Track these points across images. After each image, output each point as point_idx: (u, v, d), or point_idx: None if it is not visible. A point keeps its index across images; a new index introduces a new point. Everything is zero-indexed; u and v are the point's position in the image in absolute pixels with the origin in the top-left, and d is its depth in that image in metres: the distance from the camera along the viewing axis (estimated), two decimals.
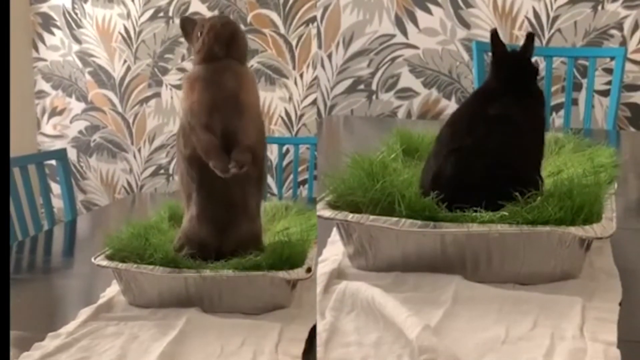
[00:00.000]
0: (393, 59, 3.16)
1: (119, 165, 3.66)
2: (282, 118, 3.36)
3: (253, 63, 3.33)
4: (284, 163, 3.19)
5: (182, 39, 1.18)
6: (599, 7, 2.90)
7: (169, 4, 3.43)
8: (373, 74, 3.20)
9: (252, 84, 1.19)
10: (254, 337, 1.04)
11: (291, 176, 3.21)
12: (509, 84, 1.19)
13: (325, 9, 3.18)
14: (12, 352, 1.04)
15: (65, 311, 1.28)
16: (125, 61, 3.55)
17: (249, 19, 3.31)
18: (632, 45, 2.89)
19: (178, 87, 3.46)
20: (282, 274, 1.10)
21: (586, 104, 2.68)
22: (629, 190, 1.60)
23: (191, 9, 3.40)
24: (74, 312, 1.18)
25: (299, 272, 1.11)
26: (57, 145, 3.70)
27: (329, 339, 0.96)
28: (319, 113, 3.30)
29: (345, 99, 3.24)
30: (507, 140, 1.13)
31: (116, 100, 3.60)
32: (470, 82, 3.08)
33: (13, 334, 1.06)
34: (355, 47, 3.19)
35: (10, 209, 2.20)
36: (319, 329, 0.98)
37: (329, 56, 3.22)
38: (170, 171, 3.58)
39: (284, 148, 3.07)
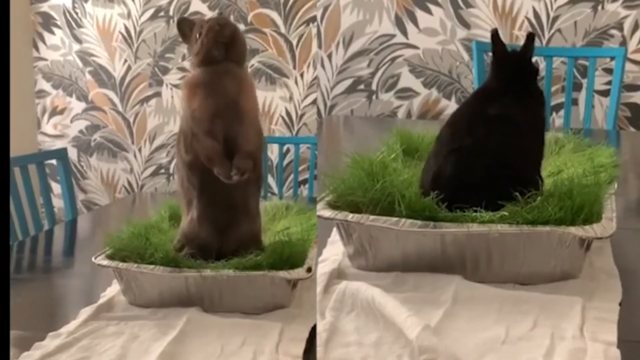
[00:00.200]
0: (393, 59, 3.17)
1: (120, 164, 3.66)
2: (282, 117, 3.36)
3: (254, 62, 3.33)
4: (285, 162, 3.19)
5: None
6: (599, 7, 2.90)
7: (170, 3, 3.43)
8: (373, 74, 3.20)
9: (251, 87, 1.19)
10: (254, 337, 1.04)
11: (292, 176, 3.22)
12: (509, 84, 1.19)
13: (325, 9, 3.18)
14: (13, 351, 1.04)
15: (65, 311, 1.28)
16: (125, 61, 3.56)
17: (249, 18, 3.31)
18: (632, 45, 2.90)
19: (179, 86, 3.46)
20: (282, 273, 1.10)
21: (586, 104, 2.68)
22: (629, 190, 1.60)
23: (191, 9, 3.40)
24: (74, 312, 1.18)
25: (299, 272, 1.11)
26: (58, 144, 3.70)
27: (329, 339, 0.96)
28: (319, 113, 3.30)
29: (345, 99, 3.24)
30: (507, 140, 1.13)
31: (117, 100, 3.60)
32: (470, 82, 3.08)
33: (13, 333, 1.06)
34: (355, 47, 3.19)
35: (11, 208, 2.20)
36: (319, 329, 0.98)
37: (329, 56, 3.22)
38: (171, 171, 3.58)
39: (285, 147, 3.07)
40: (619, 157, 1.36)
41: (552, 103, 2.89)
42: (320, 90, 3.26)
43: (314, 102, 3.31)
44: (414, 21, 3.11)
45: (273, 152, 3.28)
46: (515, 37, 2.99)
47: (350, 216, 1.12)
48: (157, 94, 3.54)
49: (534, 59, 1.22)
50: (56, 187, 3.27)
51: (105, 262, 1.19)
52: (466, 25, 3.06)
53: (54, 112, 3.72)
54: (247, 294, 1.12)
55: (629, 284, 1.07)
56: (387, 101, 3.21)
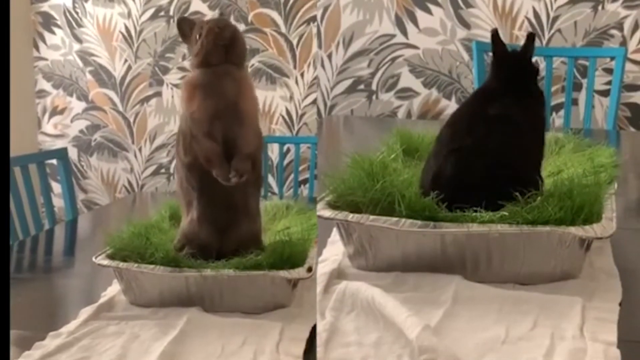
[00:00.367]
0: (393, 59, 3.17)
1: (120, 164, 3.66)
2: (283, 117, 3.36)
3: (254, 62, 3.33)
4: (285, 162, 3.20)
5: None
6: (599, 7, 2.90)
7: (170, 3, 3.44)
8: (373, 74, 3.20)
9: (251, 89, 1.19)
10: (254, 337, 1.04)
11: (292, 175, 3.22)
12: (509, 84, 1.19)
13: (325, 9, 3.18)
14: (13, 351, 1.04)
15: (66, 310, 1.28)
16: (126, 60, 3.56)
17: (249, 18, 3.31)
18: (632, 45, 2.90)
19: (179, 86, 3.46)
20: (283, 273, 1.10)
21: (586, 104, 2.68)
22: (629, 190, 1.61)
23: (192, 8, 3.40)
24: (74, 312, 1.18)
25: (299, 272, 1.11)
26: (58, 144, 3.70)
27: (329, 339, 0.96)
28: (319, 113, 3.30)
29: (345, 99, 3.25)
30: (507, 140, 1.13)
31: (117, 100, 3.60)
32: (470, 82, 3.08)
33: (14, 333, 1.06)
34: (355, 47, 3.19)
35: (11, 208, 2.20)
36: (319, 329, 0.98)
37: (329, 56, 3.22)
38: (171, 170, 3.58)
39: (285, 147, 3.08)
40: (619, 157, 1.36)
41: (552, 103, 2.89)
42: (320, 90, 3.26)
43: (314, 101, 3.32)
44: (414, 21, 3.11)
45: (273, 151, 3.28)
46: (515, 37, 2.99)
47: (350, 216, 1.12)
48: (158, 94, 3.54)
49: (534, 59, 1.22)
50: (56, 187, 3.28)
51: (106, 262, 1.19)
52: (466, 25, 3.06)
53: (55, 111, 3.72)
54: (248, 294, 1.12)
55: (629, 284, 1.07)
56: (387, 101, 3.21)
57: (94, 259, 1.20)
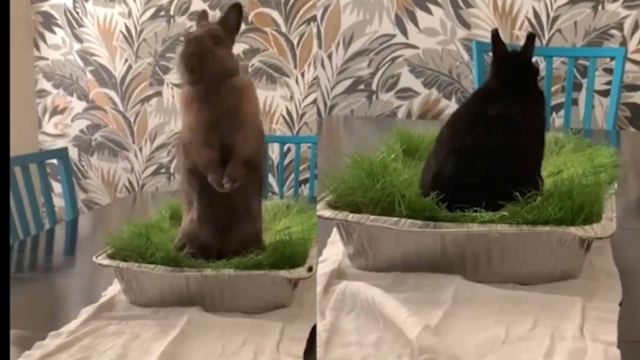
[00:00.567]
0: (393, 59, 3.17)
1: (120, 164, 3.66)
2: (283, 117, 3.36)
3: (254, 62, 3.33)
4: (285, 162, 3.20)
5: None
6: (599, 7, 2.90)
7: (170, 2, 3.44)
8: (373, 74, 3.20)
9: (246, 95, 1.19)
10: (255, 337, 1.04)
11: (292, 175, 3.22)
12: (510, 84, 1.19)
13: (326, 9, 3.18)
14: (14, 351, 1.04)
15: (66, 310, 1.28)
16: (126, 60, 3.56)
17: (250, 17, 3.31)
18: (632, 45, 2.90)
19: (179, 85, 3.46)
20: (283, 273, 1.10)
21: (586, 104, 2.68)
22: (629, 190, 1.61)
23: (192, 8, 3.41)
24: (75, 311, 1.18)
25: (300, 271, 1.11)
26: (59, 144, 3.70)
27: (329, 339, 0.96)
28: (319, 113, 3.30)
29: (345, 99, 3.25)
30: (507, 140, 1.13)
31: (117, 99, 3.60)
32: (470, 82, 3.08)
33: (14, 333, 1.06)
34: (355, 47, 3.19)
35: (12, 208, 2.20)
36: (319, 329, 0.98)
37: (329, 56, 3.22)
38: (172, 170, 3.58)
39: (285, 147, 3.08)
40: (619, 157, 1.36)
41: (552, 103, 2.89)
42: (320, 90, 3.26)
43: (315, 101, 3.32)
44: (414, 21, 3.11)
45: (274, 151, 3.28)
46: (516, 37, 2.99)
47: (350, 216, 1.12)
48: (158, 94, 3.54)
49: (534, 59, 1.22)
50: (57, 187, 3.28)
51: (106, 262, 1.19)
52: (466, 25, 3.06)
53: (55, 111, 3.72)
54: (248, 294, 1.12)
55: (629, 284, 1.07)
56: (387, 101, 3.21)
57: (94, 258, 1.20)
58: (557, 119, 2.95)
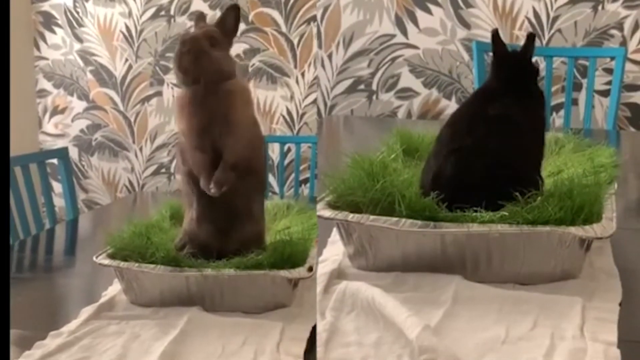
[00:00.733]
0: (393, 59, 3.17)
1: (121, 164, 3.66)
2: (283, 117, 3.36)
3: (254, 61, 3.34)
4: (286, 162, 3.20)
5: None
6: (599, 7, 2.90)
7: (170, 2, 3.44)
8: (373, 74, 3.20)
9: (238, 100, 1.19)
10: (255, 336, 1.04)
11: (292, 175, 3.22)
12: (510, 84, 1.19)
13: (326, 9, 3.19)
14: (14, 350, 1.04)
15: (66, 310, 1.28)
16: (126, 60, 3.56)
17: (250, 17, 3.31)
18: (632, 45, 2.90)
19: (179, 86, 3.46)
20: (283, 272, 1.11)
21: (586, 104, 2.69)
22: (629, 190, 1.61)
23: (192, 8, 3.41)
24: (75, 311, 1.18)
25: (300, 271, 1.11)
26: (59, 144, 3.70)
27: (329, 339, 0.97)
28: (319, 113, 3.30)
29: (345, 99, 3.25)
30: (507, 140, 1.13)
31: (117, 99, 3.61)
32: (470, 82, 3.08)
33: (15, 332, 1.07)
34: (355, 47, 3.19)
35: (12, 207, 2.20)
36: (319, 329, 0.99)
37: (329, 56, 3.22)
38: (172, 170, 3.58)
39: (286, 147, 3.08)
40: (619, 157, 1.36)
41: (552, 103, 2.89)
42: (321, 90, 3.27)
43: (315, 101, 3.32)
44: (414, 21, 3.11)
45: (274, 151, 3.28)
46: (516, 37, 2.99)
47: (351, 216, 1.12)
48: (158, 93, 3.55)
49: (534, 59, 1.22)
50: (57, 187, 3.28)
51: (107, 262, 1.19)
52: (466, 25, 3.06)
53: (55, 111, 3.72)
54: (248, 293, 1.12)
55: (629, 284, 1.07)
56: (387, 101, 3.21)
57: (94, 258, 1.20)
58: (557, 119, 2.95)
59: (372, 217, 1.11)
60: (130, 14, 3.51)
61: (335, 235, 1.24)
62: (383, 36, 3.15)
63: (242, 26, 3.31)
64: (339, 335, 0.97)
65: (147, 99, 3.56)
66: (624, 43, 2.89)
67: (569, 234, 1.04)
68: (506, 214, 1.07)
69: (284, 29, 3.30)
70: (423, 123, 2.89)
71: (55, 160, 2.63)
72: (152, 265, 1.15)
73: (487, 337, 0.94)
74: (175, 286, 1.14)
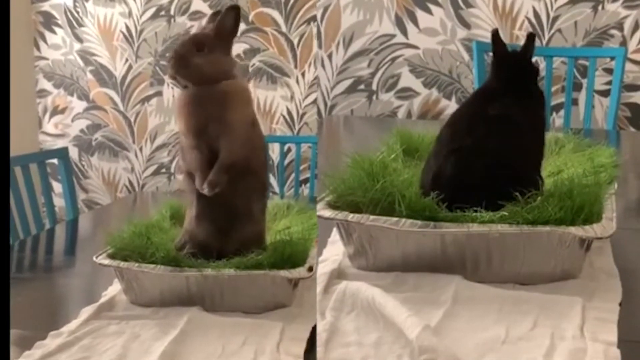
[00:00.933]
0: (393, 59, 3.17)
1: (121, 164, 3.66)
2: (283, 117, 3.36)
3: (255, 61, 3.34)
4: (286, 162, 3.20)
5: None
6: (599, 7, 2.90)
7: (171, 2, 3.44)
8: (373, 74, 3.20)
9: (232, 100, 1.19)
10: (255, 336, 1.04)
11: (293, 175, 3.22)
12: (510, 84, 1.19)
13: (326, 9, 3.19)
14: (14, 350, 1.04)
15: (66, 310, 1.28)
16: (126, 60, 3.56)
17: (250, 17, 3.31)
18: (632, 45, 2.90)
19: None
20: (283, 272, 1.11)
21: (586, 104, 2.69)
22: (629, 190, 1.61)
23: (192, 8, 3.41)
24: (75, 311, 1.18)
25: (300, 271, 1.11)
26: (59, 144, 3.70)
27: (329, 339, 0.97)
28: (319, 113, 3.30)
29: (345, 99, 3.25)
30: (507, 140, 1.13)
31: (118, 99, 3.61)
32: (471, 82, 3.08)
33: (15, 332, 1.07)
34: (355, 47, 3.19)
35: (12, 207, 2.21)
36: (319, 329, 0.99)
37: (329, 56, 3.22)
38: (172, 170, 3.58)
39: (286, 147, 3.08)
40: (619, 157, 1.36)
41: (552, 103, 2.89)
42: (321, 90, 3.27)
43: (315, 101, 3.32)
44: (414, 21, 3.11)
45: (274, 151, 3.28)
46: (516, 37, 2.99)
47: (351, 216, 1.12)
48: (158, 93, 3.55)
49: (534, 59, 1.22)
50: (57, 187, 3.28)
51: (107, 262, 1.19)
52: (466, 25, 3.06)
53: (55, 111, 3.72)
54: (248, 293, 1.12)
55: (629, 284, 1.07)
56: (387, 101, 3.21)
57: (94, 258, 1.20)
58: (557, 119, 2.95)
59: (372, 217, 1.11)
60: (130, 14, 3.51)
61: (335, 235, 1.24)
62: (383, 36, 3.15)
63: (242, 26, 3.30)
64: (339, 335, 0.97)
65: (147, 99, 3.56)
66: (624, 43, 2.89)
67: (569, 234, 1.04)
68: (506, 214, 1.07)
69: (284, 29, 3.30)
70: (423, 123, 2.89)
71: (55, 160, 2.64)
72: (152, 265, 1.15)
73: (487, 337, 0.94)
74: (175, 286, 1.14)
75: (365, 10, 3.15)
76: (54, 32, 3.65)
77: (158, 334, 1.07)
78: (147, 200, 2.49)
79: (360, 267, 1.17)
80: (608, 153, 1.37)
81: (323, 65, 3.23)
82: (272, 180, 3.34)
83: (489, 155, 1.12)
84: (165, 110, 3.55)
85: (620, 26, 2.90)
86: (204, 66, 1.18)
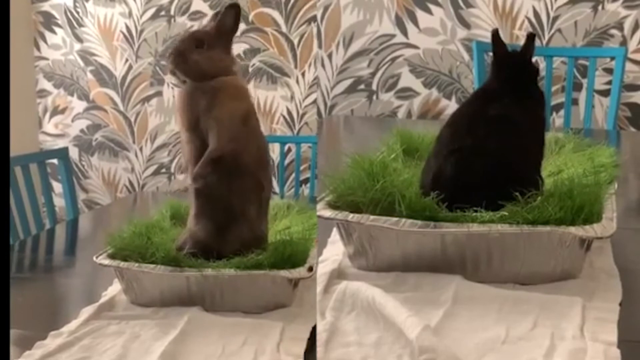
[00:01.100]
0: (393, 59, 3.17)
1: (121, 164, 3.66)
2: (283, 117, 3.36)
3: (255, 62, 3.34)
4: (286, 162, 3.20)
5: None
6: (599, 7, 2.90)
7: (171, 2, 3.44)
8: (373, 74, 3.20)
9: (222, 96, 1.20)
10: (255, 336, 1.04)
11: (293, 175, 3.22)
12: (510, 84, 1.19)
13: (326, 8, 3.19)
14: (14, 350, 1.04)
15: (67, 310, 1.28)
16: (126, 60, 3.56)
17: (250, 17, 3.31)
18: (632, 45, 2.90)
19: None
20: (283, 272, 1.11)
21: (586, 104, 2.69)
22: (629, 190, 1.61)
23: (192, 8, 3.41)
24: (75, 311, 1.18)
25: (300, 271, 1.11)
26: (59, 144, 3.70)
27: (329, 339, 0.97)
28: (319, 113, 3.30)
29: (345, 99, 3.25)
30: (507, 140, 1.13)
31: (118, 99, 3.61)
32: (471, 82, 3.08)
33: (15, 332, 1.07)
34: (355, 47, 3.19)
35: (12, 207, 2.21)
36: (319, 329, 0.99)
37: (329, 56, 3.22)
38: (172, 170, 3.58)
39: (286, 147, 3.08)
40: (619, 157, 1.36)
41: (552, 103, 2.89)
42: (321, 90, 3.27)
43: (315, 101, 3.32)
44: (414, 21, 3.11)
45: (274, 151, 3.28)
46: (516, 37, 2.99)
47: (351, 216, 1.12)
48: (159, 93, 3.55)
49: (534, 59, 1.22)
50: (57, 187, 3.28)
51: (107, 262, 1.19)
52: (466, 25, 3.06)
53: (55, 111, 3.72)
54: (248, 293, 1.12)
55: (629, 284, 1.07)
56: (387, 101, 3.21)
57: (94, 258, 1.20)
58: (557, 119, 2.95)
59: (372, 217, 1.11)
60: (130, 14, 3.51)
61: (335, 235, 1.24)
62: (383, 36, 3.15)
63: (242, 26, 3.31)
64: (339, 335, 0.97)
65: (147, 99, 3.56)
66: (624, 43, 2.89)
67: (569, 234, 1.04)
68: (506, 214, 1.07)
69: (284, 29, 3.30)
70: (423, 123, 2.89)
71: (55, 160, 2.64)
72: (152, 265, 1.15)
73: (487, 337, 0.94)
74: (176, 286, 1.15)
75: (365, 10, 3.15)
76: (54, 32, 3.65)
77: (158, 334, 1.07)
78: (147, 200, 2.50)
79: (360, 267, 1.17)
80: (608, 153, 1.37)
81: (323, 65, 3.24)
82: (272, 180, 3.34)
83: (489, 155, 1.12)
84: (166, 110, 3.55)
85: (620, 26, 2.90)
86: (202, 62, 1.20)
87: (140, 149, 3.62)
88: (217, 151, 1.18)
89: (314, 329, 1.02)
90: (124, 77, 3.57)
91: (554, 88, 2.90)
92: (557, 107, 2.92)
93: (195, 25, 3.36)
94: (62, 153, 2.46)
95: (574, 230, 1.04)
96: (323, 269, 1.15)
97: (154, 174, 3.62)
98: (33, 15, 3.66)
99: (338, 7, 3.17)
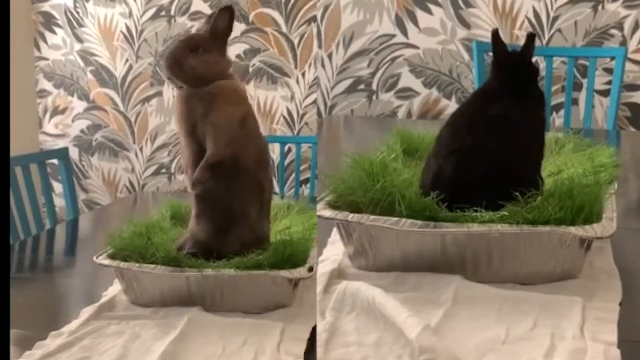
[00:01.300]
0: (393, 59, 3.17)
1: (121, 164, 3.66)
2: (283, 117, 3.36)
3: (255, 62, 3.34)
4: (286, 162, 3.20)
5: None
6: (599, 7, 2.90)
7: (171, 2, 3.44)
8: (373, 74, 3.20)
9: (219, 101, 1.20)
10: (255, 336, 1.04)
11: (293, 175, 3.22)
12: (510, 84, 1.19)
13: (326, 8, 3.19)
14: (14, 350, 1.04)
15: (67, 310, 1.28)
16: (127, 60, 3.56)
17: (250, 17, 3.31)
18: (632, 45, 2.90)
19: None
20: (284, 272, 1.11)
21: (586, 104, 2.69)
22: (629, 190, 1.61)
23: (192, 8, 3.41)
24: (76, 311, 1.18)
25: (300, 271, 1.11)
26: (59, 144, 3.70)
27: (329, 339, 0.97)
28: (319, 113, 3.30)
29: (345, 99, 3.25)
30: (507, 140, 1.13)
31: (118, 99, 3.61)
32: (471, 82, 3.08)
33: (15, 332, 1.07)
34: (355, 47, 3.19)
35: (12, 207, 2.21)
36: (319, 329, 0.99)
37: (329, 56, 3.22)
38: (172, 170, 3.58)
39: (286, 147, 3.08)
40: (619, 157, 1.36)
41: (552, 103, 2.89)
42: (321, 90, 3.27)
43: (315, 101, 3.32)
44: (414, 21, 3.11)
45: (274, 151, 3.28)
46: (516, 37, 2.99)
47: (351, 216, 1.12)
48: (159, 94, 3.55)
49: (534, 59, 1.22)
50: (57, 187, 3.28)
51: (107, 262, 1.19)
52: (466, 25, 3.06)
53: (56, 111, 3.72)
54: (249, 294, 1.12)
55: (629, 284, 1.07)
56: (387, 101, 3.21)
57: (95, 258, 1.20)
58: (557, 119, 2.95)
59: (372, 217, 1.11)
60: (130, 14, 3.51)
61: (335, 235, 1.24)
62: (383, 36, 3.16)
63: (242, 26, 3.31)
64: (339, 335, 0.98)
65: (148, 99, 3.56)
66: (624, 43, 2.89)
67: (569, 234, 1.04)
68: (506, 214, 1.07)
69: (284, 29, 3.30)
70: (423, 123, 2.89)
71: (55, 161, 2.64)
72: (152, 266, 1.15)
73: (487, 337, 0.94)
74: (176, 286, 1.15)
75: (365, 10, 3.15)
76: (54, 32, 3.65)
77: (158, 334, 1.07)
78: (148, 200, 2.50)
79: (360, 267, 1.17)
80: (608, 153, 1.37)
81: (323, 65, 3.24)
82: (273, 181, 3.34)
83: (489, 155, 1.12)
84: (166, 111, 3.55)
85: (620, 26, 2.90)
86: (197, 67, 1.19)
87: (141, 149, 3.62)
88: (214, 156, 1.18)
89: (314, 329, 1.02)
90: (124, 77, 3.57)
91: (554, 88, 2.90)
92: (557, 107, 2.92)
93: (196, 25, 3.36)
94: (62, 153, 2.46)
95: (574, 230, 1.04)
96: (323, 269, 1.15)
97: (154, 174, 3.62)
98: (33, 16, 3.66)
99: (338, 7, 3.17)
